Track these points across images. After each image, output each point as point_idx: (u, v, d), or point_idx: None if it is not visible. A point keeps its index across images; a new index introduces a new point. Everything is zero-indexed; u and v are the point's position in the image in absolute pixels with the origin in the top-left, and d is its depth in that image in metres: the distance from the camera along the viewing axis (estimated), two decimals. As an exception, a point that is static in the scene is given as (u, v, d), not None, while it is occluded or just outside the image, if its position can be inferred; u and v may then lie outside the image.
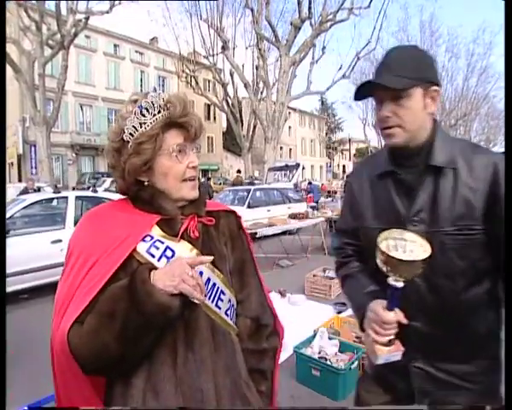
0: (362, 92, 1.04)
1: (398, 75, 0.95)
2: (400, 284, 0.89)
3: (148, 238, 0.88)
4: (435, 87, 0.99)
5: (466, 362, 1.03)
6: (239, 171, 18.54)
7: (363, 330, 1.03)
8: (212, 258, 0.84)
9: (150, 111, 0.86)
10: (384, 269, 0.90)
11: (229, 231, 1.02)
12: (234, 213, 1.07)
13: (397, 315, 0.92)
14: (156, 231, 0.89)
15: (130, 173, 0.88)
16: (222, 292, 0.92)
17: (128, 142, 0.87)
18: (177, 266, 0.78)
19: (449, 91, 33.93)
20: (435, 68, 1.03)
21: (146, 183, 0.91)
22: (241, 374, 0.92)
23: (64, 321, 0.79)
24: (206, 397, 0.83)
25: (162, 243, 0.88)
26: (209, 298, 0.89)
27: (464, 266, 0.98)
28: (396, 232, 0.93)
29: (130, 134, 0.86)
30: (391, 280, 0.90)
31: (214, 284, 0.90)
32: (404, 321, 0.92)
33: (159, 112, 0.86)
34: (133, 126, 0.86)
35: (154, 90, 0.89)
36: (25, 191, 8.74)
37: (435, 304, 1.01)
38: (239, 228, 1.05)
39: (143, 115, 0.86)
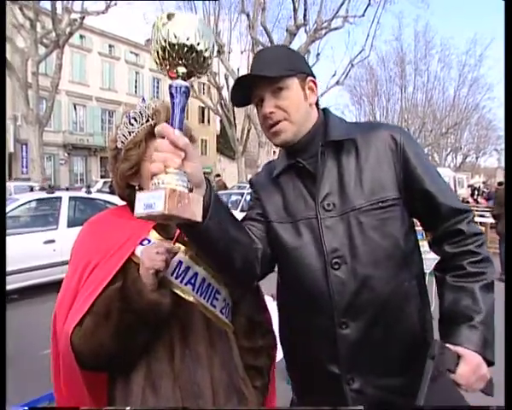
0: (239, 98, 0.98)
1: (272, 67, 0.91)
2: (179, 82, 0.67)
3: (145, 242, 0.93)
4: (311, 78, 0.97)
5: (405, 371, 0.90)
6: (218, 175, 16.85)
7: None
8: (177, 247, 0.87)
9: (138, 120, 0.93)
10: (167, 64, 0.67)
11: None
12: None
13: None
14: (153, 235, 0.94)
15: (121, 178, 0.95)
16: (217, 291, 0.96)
17: (121, 149, 0.94)
18: (145, 252, 0.84)
19: (440, 100, 34.54)
20: (306, 62, 1.02)
21: (137, 187, 0.97)
22: (237, 369, 0.97)
23: (67, 324, 0.84)
24: (202, 391, 0.87)
25: None
26: (204, 297, 0.93)
27: (389, 245, 0.90)
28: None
29: (122, 142, 0.94)
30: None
31: (209, 284, 0.94)
32: (174, 138, 0.65)
33: (147, 121, 0.93)
34: (123, 135, 0.93)
35: (143, 100, 0.96)
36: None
37: (364, 301, 0.89)
38: None
39: (132, 124, 0.93)
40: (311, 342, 0.96)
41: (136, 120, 0.93)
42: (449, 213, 0.93)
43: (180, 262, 0.91)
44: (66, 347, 0.83)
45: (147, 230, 0.94)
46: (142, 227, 0.94)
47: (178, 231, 0.95)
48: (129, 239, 0.92)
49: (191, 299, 0.90)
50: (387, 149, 0.93)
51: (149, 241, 0.93)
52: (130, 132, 0.93)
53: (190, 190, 0.68)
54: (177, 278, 0.90)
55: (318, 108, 1.02)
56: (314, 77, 0.99)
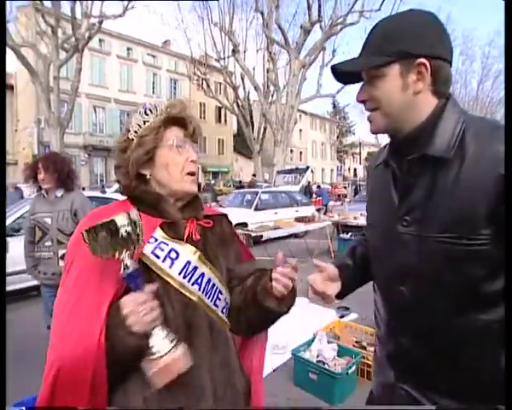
0: (342, 78, 0.93)
1: (373, 53, 0.83)
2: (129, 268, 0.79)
3: (152, 240, 0.90)
4: (421, 59, 0.79)
5: (463, 401, 0.81)
6: (254, 175, 19.91)
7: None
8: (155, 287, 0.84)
9: (153, 112, 0.96)
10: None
11: (224, 233, 1.08)
12: (225, 215, 1.15)
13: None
14: (159, 233, 0.92)
15: (133, 165, 0.94)
16: (220, 292, 0.97)
17: (133, 139, 0.94)
18: (128, 307, 0.78)
19: (463, 94, 33.49)
20: (429, 36, 0.80)
21: (148, 176, 0.96)
22: (235, 369, 0.98)
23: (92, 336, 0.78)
24: (203, 392, 0.88)
25: (167, 244, 0.91)
26: (208, 297, 0.94)
27: (459, 284, 0.77)
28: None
29: (135, 132, 0.95)
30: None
31: (214, 285, 0.95)
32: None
33: (161, 114, 0.96)
34: (137, 124, 0.95)
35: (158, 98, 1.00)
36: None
37: (421, 320, 0.83)
38: (231, 228, 1.13)
39: (147, 115, 0.96)
40: (382, 333, 0.98)
41: (151, 111, 0.95)
42: None
43: (188, 262, 0.91)
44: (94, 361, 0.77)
45: (153, 227, 0.91)
46: (148, 225, 0.89)
47: (187, 232, 0.96)
48: None
49: (196, 299, 0.91)
50: (497, 170, 0.72)
51: (156, 239, 0.91)
52: (144, 122, 0.94)
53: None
54: (184, 277, 0.90)
55: (440, 95, 0.83)
56: (432, 56, 0.79)
